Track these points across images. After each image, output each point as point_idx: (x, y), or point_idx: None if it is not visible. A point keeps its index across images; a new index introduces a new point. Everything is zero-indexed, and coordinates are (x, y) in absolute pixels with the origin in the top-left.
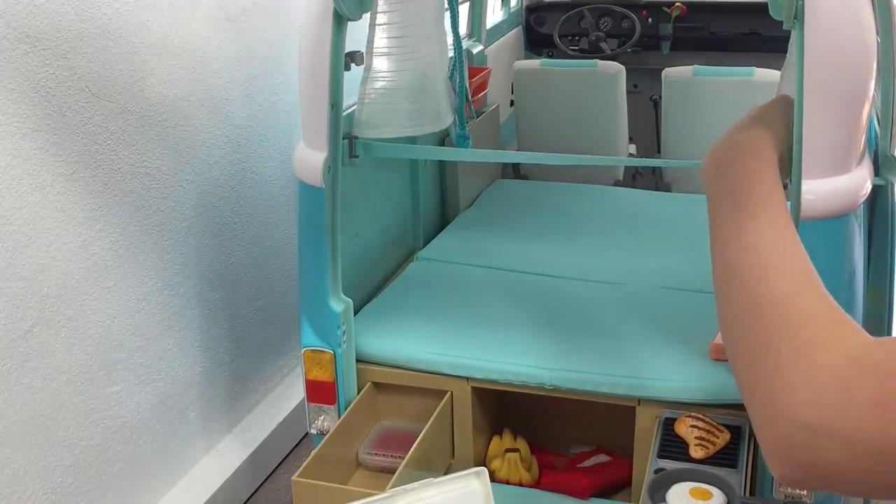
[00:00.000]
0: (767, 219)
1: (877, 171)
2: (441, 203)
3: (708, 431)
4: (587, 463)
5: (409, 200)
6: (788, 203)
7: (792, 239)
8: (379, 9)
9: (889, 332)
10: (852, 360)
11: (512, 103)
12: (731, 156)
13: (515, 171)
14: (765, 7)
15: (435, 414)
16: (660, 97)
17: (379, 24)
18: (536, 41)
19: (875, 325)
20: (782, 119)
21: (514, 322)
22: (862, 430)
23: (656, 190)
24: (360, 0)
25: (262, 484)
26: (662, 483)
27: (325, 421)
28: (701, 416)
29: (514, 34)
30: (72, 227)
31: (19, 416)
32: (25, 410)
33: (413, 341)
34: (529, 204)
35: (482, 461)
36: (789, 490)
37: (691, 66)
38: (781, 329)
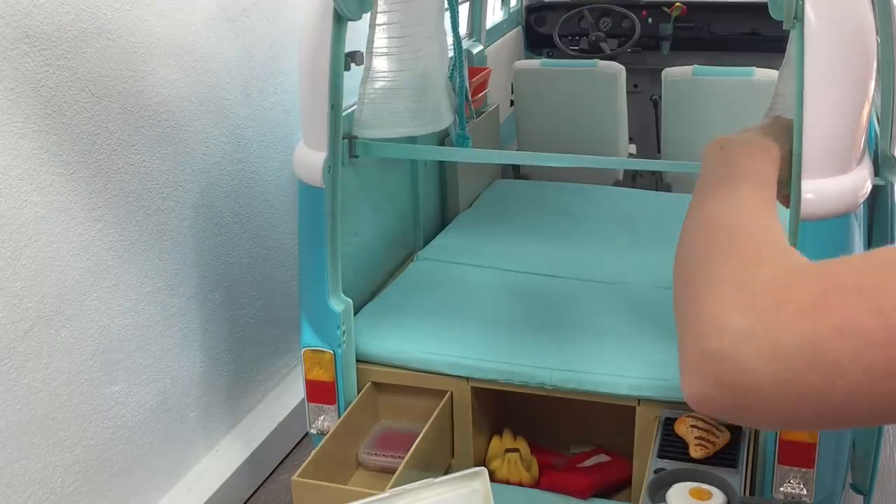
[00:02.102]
0: (756, 192)
1: (877, 171)
2: (441, 203)
3: (708, 431)
4: (587, 463)
5: (409, 200)
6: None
7: (772, 214)
8: (379, 9)
9: None
10: (792, 267)
11: (512, 103)
12: (740, 142)
13: (515, 171)
14: (765, 7)
15: (435, 414)
16: (660, 97)
17: (379, 24)
18: (536, 41)
19: None
20: (787, 141)
21: (514, 322)
22: (791, 328)
23: (656, 190)
24: (360, 0)
25: (262, 484)
26: (662, 483)
27: (325, 421)
28: (701, 416)
29: (514, 34)
30: (72, 227)
31: (19, 417)
32: (25, 410)
33: (413, 341)
34: (529, 204)
35: (482, 461)
36: (787, 490)
37: (691, 66)
38: (732, 254)
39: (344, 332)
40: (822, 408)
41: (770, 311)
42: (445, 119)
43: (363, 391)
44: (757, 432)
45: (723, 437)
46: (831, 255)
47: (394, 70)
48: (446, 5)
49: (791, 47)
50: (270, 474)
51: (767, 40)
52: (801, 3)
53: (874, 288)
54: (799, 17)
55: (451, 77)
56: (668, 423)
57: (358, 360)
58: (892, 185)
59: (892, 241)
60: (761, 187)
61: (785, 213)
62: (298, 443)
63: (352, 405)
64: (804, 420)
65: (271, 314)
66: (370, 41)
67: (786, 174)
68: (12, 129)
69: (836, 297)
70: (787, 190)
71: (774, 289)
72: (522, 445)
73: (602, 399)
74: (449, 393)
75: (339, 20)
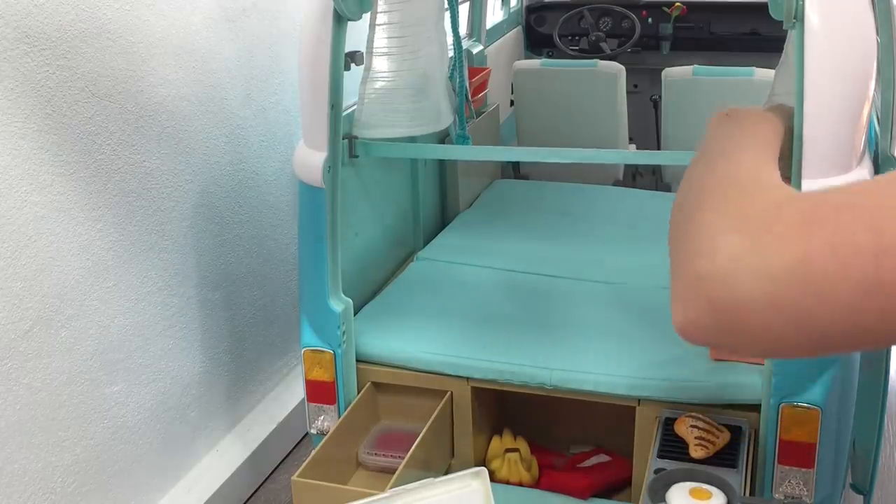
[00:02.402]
0: (758, 151)
1: (877, 171)
2: (441, 203)
3: (708, 431)
4: (587, 463)
5: (409, 200)
6: None
7: (772, 168)
8: (379, 9)
9: None
10: (791, 194)
11: (512, 103)
12: (746, 111)
13: (515, 172)
14: (765, 7)
15: (435, 414)
16: (660, 97)
17: (379, 24)
18: (536, 41)
19: None
20: (789, 119)
21: (515, 322)
22: (783, 246)
23: (656, 190)
24: (360, 0)
25: (262, 484)
26: (662, 483)
27: (325, 421)
28: (701, 416)
29: (514, 34)
30: (72, 227)
31: (19, 417)
32: (25, 410)
33: (413, 341)
34: (529, 204)
35: (482, 461)
36: (787, 490)
37: (691, 66)
38: (727, 189)
39: (344, 332)
40: (811, 327)
41: (762, 232)
42: (445, 119)
43: (363, 391)
44: (757, 432)
45: (723, 437)
46: None
47: (394, 70)
48: (446, 5)
49: (788, 46)
50: (270, 474)
51: (767, 40)
52: (801, 3)
53: (868, 206)
54: (799, 17)
55: (451, 77)
56: (668, 423)
57: (358, 360)
58: None
59: None
60: (764, 148)
61: None
62: (298, 443)
63: (352, 405)
64: (792, 342)
65: (271, 314)
66: (370, 41)
67: (787, 148)
68: (12, 129)
69: (829, 216)
70: (788, 171)
71: (767, 212)
72: (522, 445)
73: (602, 399)
74: (449, 393)
75: (339, 20)
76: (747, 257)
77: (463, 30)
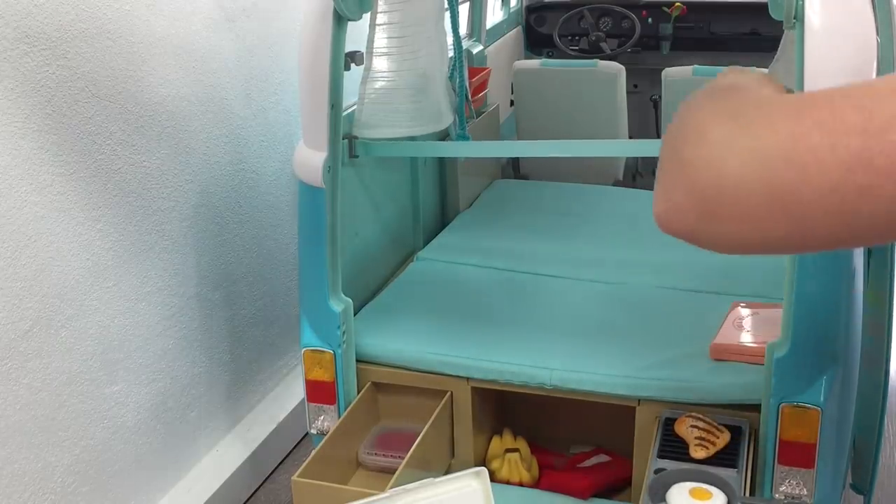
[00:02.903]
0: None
1: None
2: (441, 203)
3: (708, 431)
4: (587, 463)
5: (408, 200)
6: None
7: None
8: (379, 9)
9: (889, 334)
10: (789, 93)
11: (512, 103)
12: (750, 71)
13: (515, 172)
14: (765, 7)
15: (435, 414)
16: (660, 97)
17: (379, 24)
18: (536, 41)
19: (875, 325)
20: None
21: (515, 322)
22: (771, 128)
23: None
24: (360, 0)
25: (262, 484)
26: (662, 483)
27: (325, 421)
28: (701, 416)
29: (514, 34)
30: (72, 227)
31: (19, 416)
32: (25, 410)
33: (413, 341)
34: (529, 204)
35: (482, 461)
36: (787, 490)
37: (691, 66)
38: (728, 94)
39: (344, 332)
40: (793, 208)
41: (754, 117)
42: (445, 119)
43: (363, 391)
44: (757, 432)
45: (723, 438)
46: (832, 256)
47: (394, 70)
48: (446, 5)
49: (783, 44)
50: (270, 474)
51: (767, 40)
52: (801, 3)
53: (859, 93)
54: (799, 17)
55: (451, 77)
56: (668, 423)
57: (358, 360)
58: None
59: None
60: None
61: None
62: (298, 443)
63: (352, 405)
64: (772, 227)
65: (271, 314)
66: (370, 41)
67: None
68: (12, 129)
69: (822, 101)
70: None
71: (760, 102)
72: (522, 445)
73: (602, 399)
74: (449, 393)
75: (339, 20)
76: (736, 139)
77: (463, 30)
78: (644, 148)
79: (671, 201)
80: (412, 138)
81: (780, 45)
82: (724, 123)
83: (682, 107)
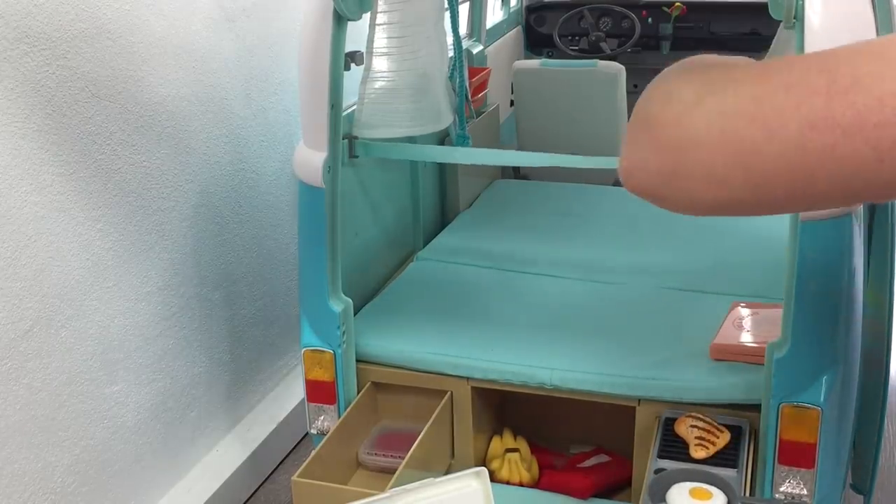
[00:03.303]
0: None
1: None
2: (441, 203)
3: (708, 431)
4: (587, 463)
5: (408, 200)
6: None
7: None
8: (379, 9)
9: (889, 333)
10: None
11: (512, 103)
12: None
13: (515, 171)
14: (765, 7)
15: (435, 414)
16: None
17: (379, 24)
18: (536, 41)
19: (875, 325)
20: None
21: (514, 322)
22: (739, 91)
23: None
24: (360, 0)
25: (262, 484)
26: (662, 483)
27: (325, 421)
28: (701, 416)
29: (514, 34)
30: (72, 227)
31: (19, 416)
32: (25, 410)
33: (413, 341)
34: (529, 204)
35: (482, 461)
36: (787, 490)
37: None
38: (699, 65)
39: (344, 332)
40: (755, 166)
41: (719, 81)
42: (445, 119)
43: (363, 391)
44: (757, 432)
45: (723, 438)
46: (832, 255)
47: (394, 70)
48: (446, 5)
49: (775, 42)
50: (270, 474)
51: (767, 40)
52: (801, 2)
53: (823, 56)
54: (799, 16)
55: (451, 77)
56: (668, 423)
57: (358, 360)
58: None
59: (892, 242)
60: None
61: (786, 215)
62: (298, 443)
63: (352, 405)
64: (734, 185)
65: (271, 314)
66: (370, 41)
67: None
68: (12, 129)
69: (786, 65)
70: None
71: (727, 68)
72: (522, 445)
73: (602, 399)
74: (449, 393)
75: (339, 20)
76: (702, 99)
77: (463, 30)
78: None
79: (635, 157)
80: (412, 138)
81: (773, 43)
82: (692, 85)
83: (653, 80)
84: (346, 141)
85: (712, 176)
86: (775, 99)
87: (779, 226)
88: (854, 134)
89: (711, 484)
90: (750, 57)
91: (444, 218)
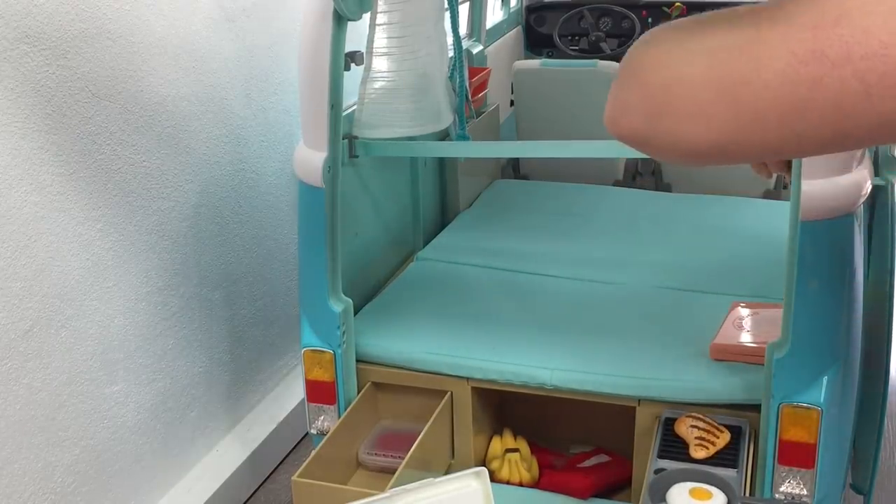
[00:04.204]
0: None
1: (877, 171)
2: (441, 203)
3: (708, 431)
4: (587, 463)
5: (408, 200)
6: (789, 202)
7: None
8: (379, 9)
9: (889, 332)
10: None
11: (512, 103)
12: None
13: (515, 172)
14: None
15: (435, 414)
16: None
17: (379, 24)
18: (536, 41)
19: (875, 324)
20: None
21: (515, 322)
22: (726, 29)
23: (656, 190)
24: (360, 0)
25: (262, 484)
26: (662, 483)
27: (325, 421)
28: (701, 416)
29: (514, 34)
30: (72, 227)
31: (19, 416)
32: (25, 410)
33: (413, 341)
34: (529, 204)
35: (482, 461)
36: (787, 490)
37: None
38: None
39: (344, 332)
40: (746, 103)
41: (706, 24)
42: (445, 119)
43: (363, 391)
44: (757, 432)
45: (723, 438)
46: (832, 255)
47: (394, 70)
48: (446, 5)
49: None
50: (270, 474)
51: None
52: None
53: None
54: None
55: (451, 77)
56: (668, 423)
57: (358, 360)
58: (892, 185)
59: (892, 242)
60: None
61: (786, 214)
62: (298, 443)
63: (352, 405)
64: (722, 124)
65: (271, 314)
66: (370, 41)
67: None
68: (12, 129)
69: (775, 3)
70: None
71: (713, 15)
72: (522, 445)
73: (602, 399)
74: (449, 393)
75: (339, 20)
76: (689, 38)
77: (463, 30)
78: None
79: (620, 101)
80: (412, 138)
81: None
82: (679, 31)
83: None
84: (346, 141)
85: (699, 114)
86: (763, 34)
87: (779, 226)
88: (842, 66)
89: (711, 484)
90: None
91: (444, 218)
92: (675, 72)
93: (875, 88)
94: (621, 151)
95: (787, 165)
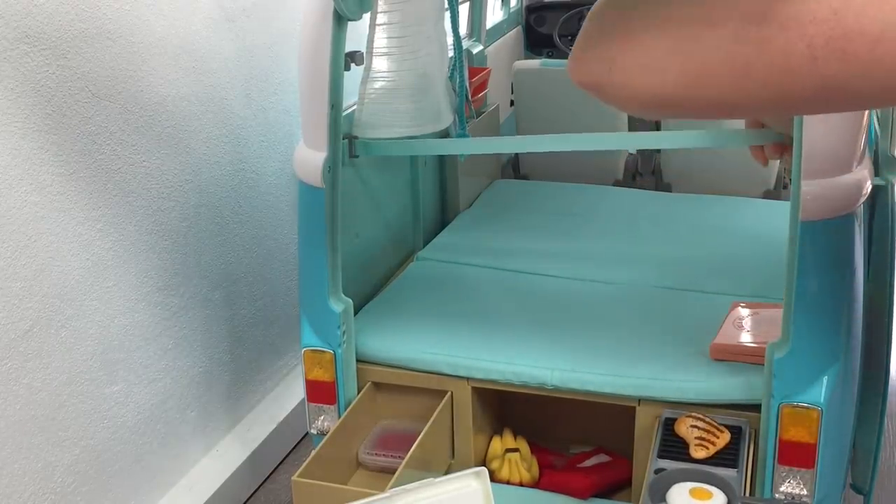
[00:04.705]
0: None
1: (877, 171)
2: (441, 203)
3: (708, 431)
4: (587, 463)
5: (409, 200)
6: (789, 202)
7: None
8: (379, 9)
9: (889, 333)
10: None
11: (512, 103)
12: None
13: (515, 172)
14: None
15: (435, 414)
16: None
17: (379, 24)
18: (536, 41)
19: (875, 325)
20: None
21: (515, 322)
22: None
23: (656, 190)
24: (360, 0)
25: (262, 484)
26: (662, 483)
27: (325, 421)
28: (701, 416)
29: (514, 34)
30: (72, 227)
31: (19, 416)
32: (25, 410)
33: (413, 341)
34: (529, 204)
35: (482, 461)
36: (787, 490)
37: None
38: None
39: (344, 332)
40: (695, 56)
41: None
42: (445, 119)
43: (363, 391)
44: (757, 432)
45: (723, 438)
46: (832, 255)
47: (394, 70)
48: (446, 5)
49: None
50: (270, 474)
51: None
52: None
53: None
54: None
55: (451, 77)
56: (668, 423)
57: (358, 360)
58: (892, 185)
59: (892, 241)
60: None
61: (786, 214)
62: (298, 443)
63: (352, 405)
64: (673, 78)
65: (271, 314)
66: (370, 41)
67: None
68: (12, 129)
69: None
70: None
71: None
72: (522, 445)
73: (602, 399)
74: (449, 393)
75: (339, 20)
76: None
77: (463, 30)
78: (644, 141)
79: (580, 48)
80: (412, 138)
81: None
82: None
83: None
84: (346, 141)
85: (651, 65)
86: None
87: (779, 226)
88: (790, 29)
89: (711, 484)
90: None
91: (444, 218)
92: (632, 24)
93: (820, 52)
94: (620, 143)
95: (782, 151)
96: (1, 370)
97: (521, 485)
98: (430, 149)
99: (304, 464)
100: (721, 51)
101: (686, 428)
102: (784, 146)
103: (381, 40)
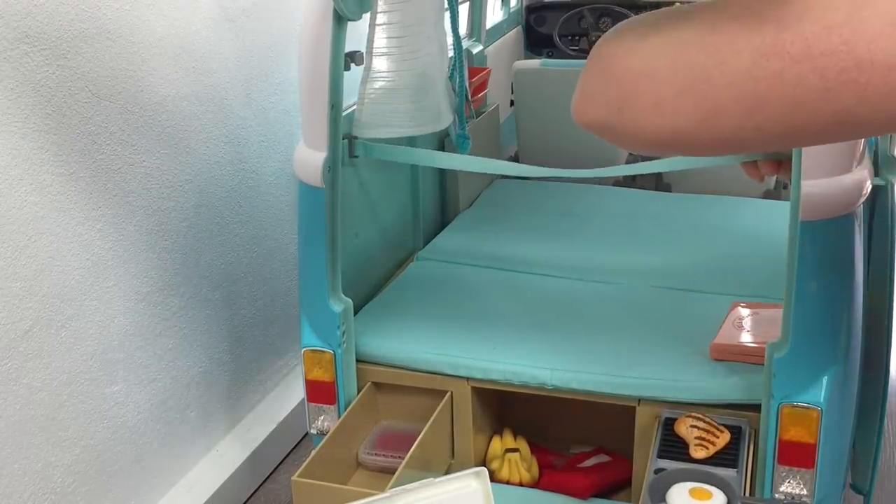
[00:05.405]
0: None
1: (877, 171)
2: (441, 203)
3: (708, 431)
4: (587, 463)
5: (408, 200)
6: (789, 203)
7: None
8: (379, 9)
9: (889, 332)
10: None
11: (512, 103)
12: None
13: None
14: None
15: (435, 414)
16: None
17: (379, 24)
18: (536, 41)
19: (875, 325)
20: None
21: (515, 322)
22: (691, 22)
23: (656, 190)
24: (360, 0)
25: (262, 484)
26: (662, 483)
27: (325, 421)
28: (701, 416)
29: (514, 34)
30: (72, 227)
31: (19, 416)
32: (25, 410)
33: (413, 341)
34: (529, 204)
35: (482, 461)
36: (787, 490)
37: None
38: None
39: (344, 332)
40: (707, 96)
41: (674, 17)
42: (445, 119)
43: (363, 391)
44: (757, 432)
45: (723, 438)
46: (832, 255)
47: (394, 70)
48: (446, 5)
49: None
50: (270, 474)
51: None
52: None
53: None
54: None
55: (451, 77)
56: (668, 423)
57: (358, 360)
58: (892, 185)
59: (892, 242)
60: None
61: (786, 214)
62: (298, 443)
63: (352, 405)
64: (685, 117)
65: (271, 314)
66: (370, 41)
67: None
68: (12, 129)
69: (737, 1)
70: (788, 173)
71: (677, 9)
72: (522, 445)
73: (602, 399)
74: (449, 393)
75: (339, 20)
76: (655, 31)
77: (463, 30)
78: (643, 168)
79: (587, 91)
80: (412, 138)
81: None
82: (645, 24)
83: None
84: (346, 141)
85: (662, 105)
86: (727, 28)
87: (779, 226)
88: (802, 61)
89: (711, 484)
90: None
91: (444, 218)
92: (641, 63)
93: (833, 84)
94: (620, 170)
95: (778, 167)
96: (1, 370)
97: (521, 485)
98: (430, 160)
99: (304, 464)
100: (734, 88)
101: (686, 428)
102: (780, 162)
103: (380, 40)
